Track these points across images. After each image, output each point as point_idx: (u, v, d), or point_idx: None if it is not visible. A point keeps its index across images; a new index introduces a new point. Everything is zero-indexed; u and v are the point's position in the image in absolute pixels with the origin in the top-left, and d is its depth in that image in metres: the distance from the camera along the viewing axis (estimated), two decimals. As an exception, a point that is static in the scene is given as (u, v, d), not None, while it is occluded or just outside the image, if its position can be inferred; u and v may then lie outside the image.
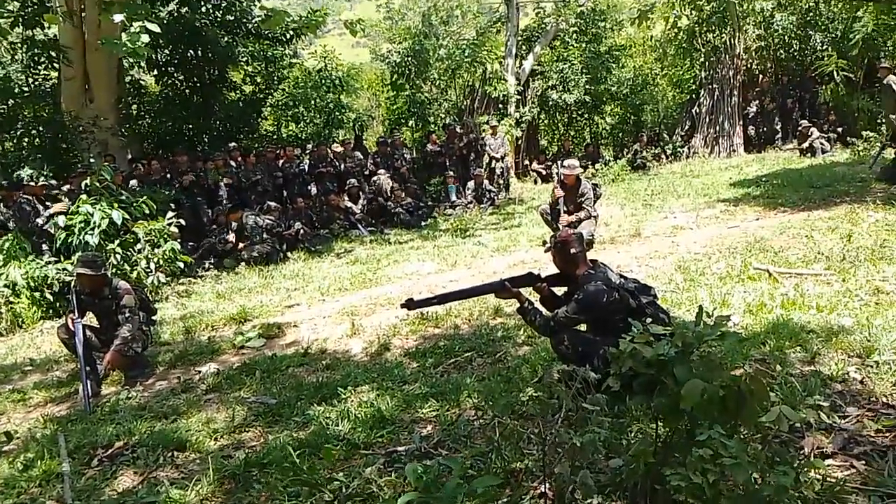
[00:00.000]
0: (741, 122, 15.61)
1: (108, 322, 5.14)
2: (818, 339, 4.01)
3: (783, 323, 4.31)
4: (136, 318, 5.08)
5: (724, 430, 2.32)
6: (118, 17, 8.10)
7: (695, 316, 2.58)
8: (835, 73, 13.92)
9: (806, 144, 13.17)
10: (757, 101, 15.79)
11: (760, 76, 16.40)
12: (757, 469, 2.23)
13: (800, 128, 13.70)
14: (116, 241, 7.40)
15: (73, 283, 5.29)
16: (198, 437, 3.77)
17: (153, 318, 5.66)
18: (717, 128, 15.70)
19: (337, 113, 15.25)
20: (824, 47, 15.08)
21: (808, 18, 15.31)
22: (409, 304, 3.74)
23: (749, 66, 16.23)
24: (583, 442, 2.40)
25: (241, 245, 9.19)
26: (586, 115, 18.05)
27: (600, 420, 2.96)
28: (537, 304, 3.86)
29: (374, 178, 12.14)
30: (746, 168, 12.76)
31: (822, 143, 13.03)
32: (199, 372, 5.08)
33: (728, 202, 9.41)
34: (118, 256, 7.33)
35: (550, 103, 16.86)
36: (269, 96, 15.26)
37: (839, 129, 13.81)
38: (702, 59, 16.25)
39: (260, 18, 13.56)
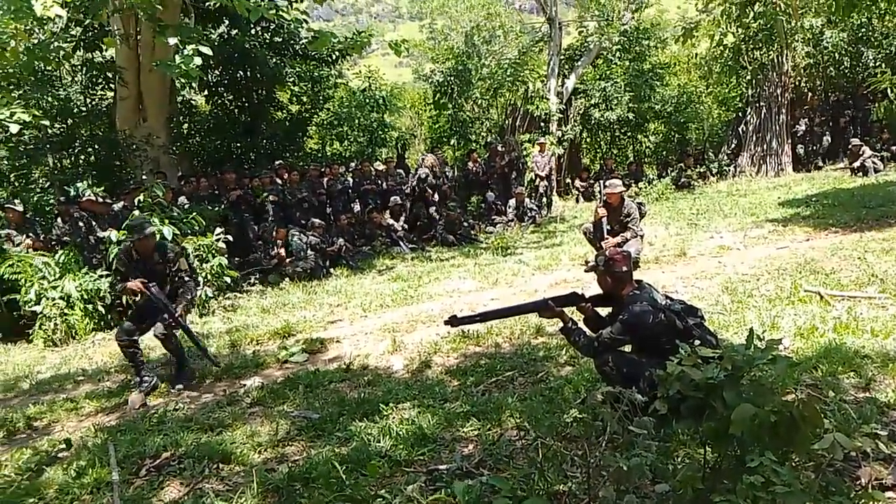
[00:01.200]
0: (789, 141, 15.30)
1: (158, 287, 5.28)
2: (873, 365, 3.89)
3: (836, 347, 4.18)
4: (191, 281, 5.23)
5: (775, 456, 2.26)
6: (172, 41, 8.39)
7: (744, 339, 2.53)
8: (889, 90, 13.52)
9: (857, 163, 12.83)
10: (805, 119, 15.47)
11: (809, 94, 16.08)
12: (811, 498, 2.17)
13: (850, 146, 13.36)
14: (167, 256, 7.59)
15: (116, 255, 5.48)
16: (242, 449, 3.83)
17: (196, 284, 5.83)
18: (765, 146, 15.41)
19: (380, 132, 15.46)
20: (877, 64, 14.70)
21: (860, 35, 14.98)
22: (452, 322, 3.76)
23: (797, 83, 15.93)
24: (629, 466, 2.37)
25: (286, 261, 9.36)
26: (629, 134, 17.91)
27: (647, 444, 2.90)
28: (581, 325, 3.83)
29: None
30: (795, 187, 12.47)
31: (874, 162, 12.68)
32: (244, 385, 5.16)
33: (776, 222, 9.20)
34: (168, 271, 7.52)
35: (593, 121, 16.79)
36: (315, 115, 15.54)
37: (893, 148, 13.41)
38: (748, 77, 16.02)
39: (307, 40, 13.86)
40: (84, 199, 8.71)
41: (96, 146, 11.82)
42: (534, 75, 16.79)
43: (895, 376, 3.73)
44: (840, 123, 15.04)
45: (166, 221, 7.68)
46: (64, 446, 4.16)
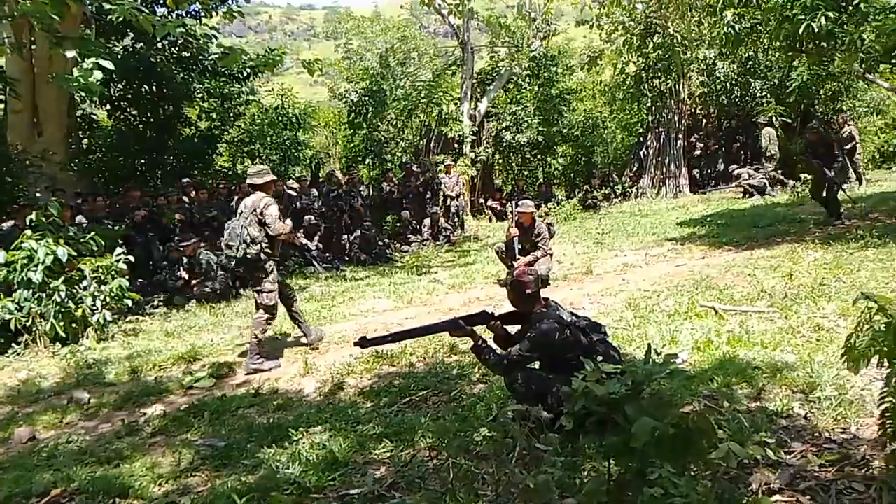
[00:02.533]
0: (686, 164, 16.20)
1: None
2: (764, 376, 4.12)
3: (730, 359, 4.42)
4: None
5: (674, 467, 2.36)
6: (70, 53, 7.99)
7: (644, 353, 2.64)
8: (773, 118, 14.61)
9: (734, 184, 13.79)
10: (702, 144, 16.45)
11: (704, 120, 17.12)
12: (706, 506, 2.27)
13: (732, 172, 14.35)
14: (61, 279, 7.15)
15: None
16: (142, 482, 3.63)
17: None
18: (664, 169, 16.24)
19: (293, 150, 15.25)
20: (763, 94, 15.84)
21: (748, 67, 16.10)
22: (363, 343, 3.74)
23: (693, 110, 16.94)
24: (536, 483, 2.41)
25: (193, 282, 9.00)
26: (539, 156, 18.46)
27: (553, 460, 2.96)
28: (491, 343, 3.88)
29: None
30: (692, 208, 13.19)
31: (761, 182, 13.55)
32: (145, 414, 4.91)
33: (675, 241, 9.69)
34: (62, 294, 7.08)
35: (504, 144, 17.21)
36: (225, 132, 15.16)
37: (778, 172, 14.44)
38: (648, 104, 16.87)
39: (217, 56, 13.53)
40: None
41: (-16, 161, 11.03)
42: (447, 98, 17.04)
43: (783, 386, 3.98)
44: (733, 149, 16.08)
45: (61, 242, 7.23)
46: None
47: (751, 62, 16.02)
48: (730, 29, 9.46)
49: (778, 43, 9.66)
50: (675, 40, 15.50)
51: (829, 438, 3.35)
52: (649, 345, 2.67)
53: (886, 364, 2.65)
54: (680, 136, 16.21)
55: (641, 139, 17.36)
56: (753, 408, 3.74)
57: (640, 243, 9.97)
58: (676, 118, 16.21)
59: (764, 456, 2.59)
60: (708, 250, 8.78)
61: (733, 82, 16.41)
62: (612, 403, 2.50)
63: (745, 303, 5.89)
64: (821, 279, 6.27)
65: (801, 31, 7.95)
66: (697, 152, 16.46)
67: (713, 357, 4.55)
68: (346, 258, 11.44)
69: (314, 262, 10.74)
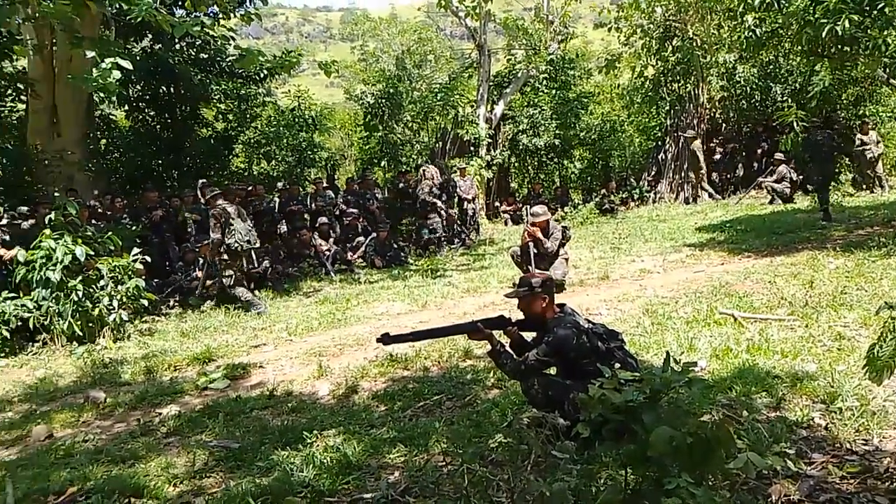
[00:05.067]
0: (704, 170, 16.05)
1: None
2: (783, 385, 4.06)
3: (749, 368, 4.35)
4: None
5: (692, 477, 2.31)
6: (89, 54, 8.06)
7: (663, 361, 2.60)
8: (794, 123, 14.44)
9: (773, 181, 13.60)
10: (721, 149, 16.29)
11: (723, 125, 16.96)
12: (725, 518, 2.23)
13: (773, 161, 14.12)
14: (79, 278, 7.22)
15: None
16: (156, 482, 3.63)
17: None
18: (682, 174, 16.11)
19: (309, 152, 15.31)
20: (784, 99, 15.67)
21: (769, 71, 15.93)
22: (385, 339, 3.73)
23: (712, 114, 16.78)
24: (551, 490, 2.38)
25: (208, 282, 9.04)
26: (555, 160, 18.40)
27: (569, 468, 2.93)
28: (507, 348, 3.85)
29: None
30: (711, 213, 13.06)
31: (784, 189, 13.40)
32: (160, 414, 4.93)
33: (694, 247, 9.60)
34: (80, 293, 7.14)
35: (521, 147, 17.18)
36: (241, 134, 15.26)
37: (799, 178, 14.27)
38: (667, 108, 16.75)
39: (234, 57, 13.61)
40: None
41: (4, 160, 11.19)
42: (463, 100, 17.06)
43: (803, 395, 3.92)
44: (757, 154, 15.89)
45: (79, 241, 7.29)
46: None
47: (771, 66, 15.86)
48: (750, 33, 9.34)
49: (799, 47, 9.52)
50: (694, 44, 15.39)
51: (850, 450, 3.28)
52: (668, 352, 2.62)
53: (911, 375, 2.59)
54: (698, 140, 16.06)
55: (659, 143, 17.24)
56: (773, 417, 3.68)
57: (657, 249, 9.89)
58: (695, 122, 16.07)
59: (784, 467, 2.54)
60: (727, 256, 8.69)
61: (753, 87, 16.25)
62: (630, 411, 2.46)
63: (765, 310, 5.81)
64: (842, 287, 6.17)
65: (823, 34, 7.84)
66: (717, 157, 16.31)
67: (732, 365, 4.48)
68: (361, 260, 11.46)
69: (327, 265, 10.77)
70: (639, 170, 18.28)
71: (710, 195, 15.43)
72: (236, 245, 8.16)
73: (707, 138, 16.28)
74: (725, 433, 2.31)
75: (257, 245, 8.40)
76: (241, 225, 8.24)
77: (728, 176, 16.26)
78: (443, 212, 12.56)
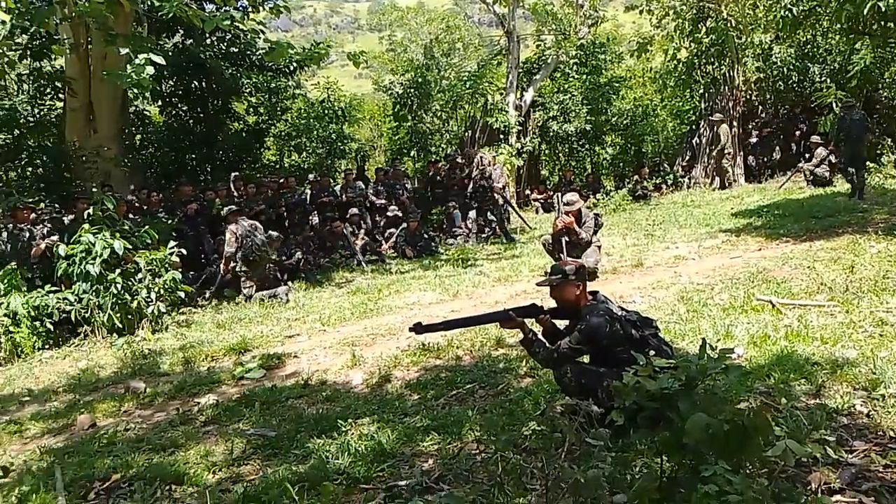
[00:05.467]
0: (741, 153, 15.72)
1: None
2: (823, 372, 3.97)
3: (787, 355, 4.27)
4: None
5: (729, 465, 2.28)
6: (123, 50, 8.21)
7: (698, 348, 2.56)
8: (833, 104, 14.04)
9: (814, 165, 13.25)
10: (758, 132, 15.93)
11: (760, 107, 16.56)
12: (764, 505, 2.19)
13: (810, 145, 13.77)
14: (118, 271, 7.39)
15: None
16: (195, 470, 3.72)
17: None
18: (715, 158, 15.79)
19: (339, 143, 15.38)
20: (822, 79, 15.24)
21: (806, 51, 15.51)
22: (418, 329, 3.75)
23: (748, 97, 16.39)
24: (586, 478, 2.36)
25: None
26: (587, 146, 18.19)
27: (603, 455, 2.91)
28: (540, 336, 3.84)
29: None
30: (747, 198, 12.79)
31: (824, 173, 13.07)
32: (198, 403, 5.03)
33: (730, 232, 9.42)
34: (118, 286, 7.32)
35: (551, 134, 17.02)
36: (272, 127, 15.39)
37: (839, 160, 13.88)
38: (701, 91, 16.43)
39: (264, 51, 13.73)
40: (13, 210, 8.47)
41: (44, 157, 11.48)
42: (493, 88, 16.94)
43: (843, 382, 3.83)
44: (795, 136, 15.48)
45: (117, 235, 7.46)
46: (1, 473, 3.97)
47: (809, 46, 15.43)
48: (787, 12, 9.11)
49: (839, 25, 9.25)
50: (728, 24, 15.01)
51: (893, 437, 3.20)
52: (704, 339, 2.59)
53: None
54: (734, 123, 15.72)
55: (693, 127, 16.91)
56: (812, 405, 3.61)
57: (692, 235, 9.73)
58: (730, 105, 15.71)
59: (824, 455, 2.48)
60: (764, 242, 8.51)
61: (790, 67, 15.82)
62: (665, 399, 2.43)
63: (804, 296, 5.68)
64: (884, 272, 6.00)
65: (865, 11, 7.59)
66: (752, 140, 15.95)
67: (770, 352, 4.40)
68: (392, 251, 11.52)
69: (358, 255, 10.85)
70: (672, 155, 17.98)
71: (731, 182, 15.11)
72: (252, 256, 8.57)
73: (743, 121, 15.92)
74: (763, 420, 2.28)
75: (273, 257, 8.88)
76: (257, 238, 8.68)
77: (765, 160, 15.89)
78: (500, 197, 12.53)
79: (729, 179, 15.15)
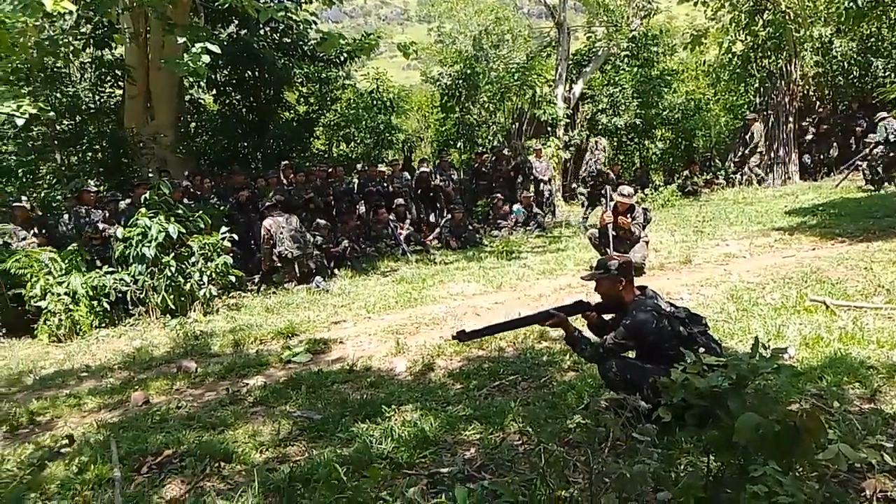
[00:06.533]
0: (797, 150, 15.25)
1: None
2: (879, 376, 3.86)
3: (841, 357, 4.16)
4: None
5: (778, 466, 2.24)
6: (181, 39, 8.42)
7: (750, 347, 2.52)
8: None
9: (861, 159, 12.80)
10: (814, 129, 15.41)
11: (817, 103, 16.02)
12: (814, 509, 2.15)
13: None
14: (172, 254, 7.63)
15: None
16: (244, 448, 3.82)
17: None
18: (772, 155, 15.36)
19: (387, 134, 15.48)
20: (886, 73, 14.65)
21: (869, 44, 14.92)
22: (461, 336, 3.76)
23: (805, 92, 15.87)
24: (632, 473, 2.35)
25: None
26: (636, 140, 17.89)
27: (650, 451, 2.88)
28: (586, 332, 3.82)
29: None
30: (802, 196, 12.42)
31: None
32: (247, 384, 5.17)
33: (783, 231, 9.17)
34: (172, 269, 7.55)
35: (600, 127, 16.78)
36: (322, 116, 15.58)
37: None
38: (756, 85, 15.97)
39: (315, 41, 13.91)
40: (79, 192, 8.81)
41: (104, 143, 11.87)
42: (541, 80, 16.79)
43: (901, 388, 3.71)
44: (854, 133, 14.92)
45: (172, 220, 7.69)
46: (66, 441, 4.17)
47: (873, 39, 14.83)
48: (851, 3, 8.77)
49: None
50: (787, 17, 14.54)
51: (954, 446, 3.09)
52: (756, 338, 2.54)
53: None
54: (790, 119, 15.24)
55: (747, 123, 16.47)
56: (867, 410, 3.51)
57: (743, 232, 9.50)
58: (787, 100, 15.23)
59: (880, 461, 2.42)
60: (819, 241, 8.26)
61: (851, 62, 15.26)
62: (714, 397, 2.40)
63: (860, 298, 5.51)
64: (947, 275, 5.77)
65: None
66: (809, 137, 15.44)
67: (823, 354, 4.29)
68: (436, 241, 11.57)
69: (403, 245, 10.93)
70: (724, 150, 17.54)
71: (760, 180, 14.84)
72: (286, 253, 8.71)
73: (799, 117, 15.42)
74: (816, 422, 2.23)
75: (310, 251, 8.96)
76: (291, 233, 8.83)
77: (821, 157, 15.37)
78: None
79: (758, 179, 14.77)
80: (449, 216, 11.84)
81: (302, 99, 15.51)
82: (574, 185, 16.75)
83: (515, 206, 12.77)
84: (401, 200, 11.81)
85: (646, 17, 17.58)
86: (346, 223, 11.06)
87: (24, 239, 8.22)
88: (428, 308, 7.12)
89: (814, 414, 2.27)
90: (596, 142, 12.81)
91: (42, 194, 10.60)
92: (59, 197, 10.26)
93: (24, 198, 9.36)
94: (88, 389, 5.42)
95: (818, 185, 13.66)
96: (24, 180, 11.66)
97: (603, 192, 8.98)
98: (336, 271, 9.60)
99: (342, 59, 14.43)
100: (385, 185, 12.39)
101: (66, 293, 7.28)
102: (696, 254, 8.38)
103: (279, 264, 8.83)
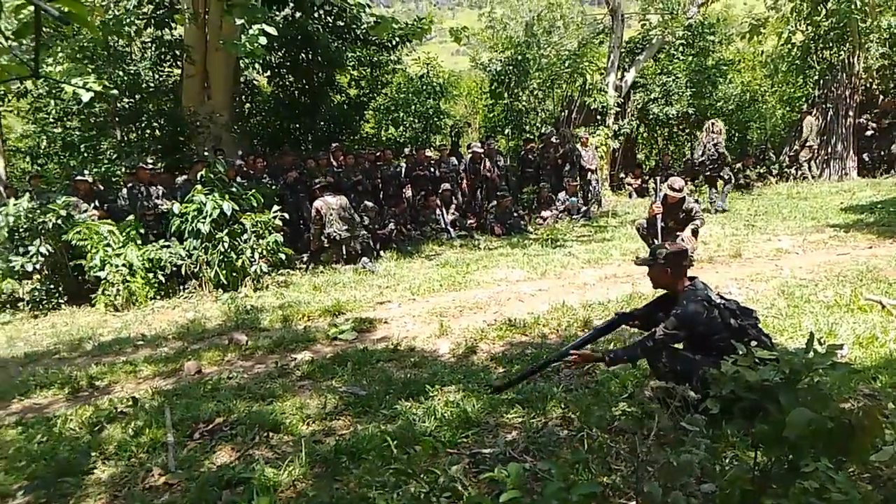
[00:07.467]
0: (856, 145, 14.72)
1: None
2: (937, 380, 3.74)
3: (897, 359, 4.05)
4: None
5: (830, 463, 2.21)
6: (239, 20, 8.57)
7: (799, 344, 2.48)
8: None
9: None
10: (875, 124, 14.84)
11: (881, 96, 15.41)
12: (868, 508, 2.12)
13: None
14: (225, 231, 7.84)
15: None
16: (291, 420, 3.94)
17: None
18: (829, 149, 14.86)
19: (435, 119, 15.49)
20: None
21: (941, 37, 14.29)
22: (495, 390, 3.98)
23: (868, 85, 15.28)
24: (679, 462, 2.35)
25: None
26: (687, 130, 17.52)
27: (697, 441, 2.87)
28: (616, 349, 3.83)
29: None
30: (859, 193, 12.02)
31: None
32: (295, 359, 5.30)
33: (838, 228, 8.91)
34: (225, 245, 7.76)
35: (651, 116, 16.49)
36: (372, 100, 15.67)
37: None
38: (816, 77, 15.45)
39: (368, 25, 13.97)
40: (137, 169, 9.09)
41: (162, 121, 12.18)
42: (592, 67, 16.54)
43: (960, 393, 3.60)
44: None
45: (226, 197, 7.89)
46: (130, 403, 4.36)
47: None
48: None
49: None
50: (852, 7, 13.99)
51: None
52: (811, 333, 2.50)
53: None
54: (850, 113, 14.71)
55: (803, 115, 15.96)
56: (923, 413, 3.41)
57: (796, 228, 9.26)
58: (847, 93, 14.71)
59: (935, 466, 2.37)
60: (876, 240, 8.00)
61: (921, 54, 14.64)
62: (765, 390, 2.37)
63: (919, 299, 5.33)
64: None
65: None
66: (869, 132, 14.87)
67: (877, 354, 4.18)
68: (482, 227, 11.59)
69: (449, 229, 10.98)
70: (780, 144, 17.05)
71: (804, 177, 14.53)
72: (335, 234, 8.89)
73: (860, 111, 14.87)
74: (874, 421, 2.18)
75: (357, 232, 9.12)
76: (340, 215, 8.98)
77: (882, 153, 14.80)
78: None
79: (804, 174, 14.36)
80: (494, 202, 11.83)
81: (353, 82, 15.62)
82: (622, 175, 16.53)
83: (562, 195, 12.69)
84: (447, 185, 11.85)
85: (702, 5, 17.12)
86: (394, 206, 11.16)
87: (85, 211, 8.53)
88: (472, 292, 7.16)
89: (871, 412, 2.22)
90: (712, 123, 12.57)
91: (103, 169, 10.95)
92: (118, 172, 10.59)
93: (86, 172, 9.71)
94: (144, 357, 5.64)
95: (877, 182, 13.20)
96: (86, 155, 12.08)
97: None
98: (382, 253, 9.72)
99: (394, 43, 14.45)
100: (432, 169, 12.43)
101: (123, 265, 7.56)
102: (747, 248, 8.22)
103: (327, 244, 8.97)
